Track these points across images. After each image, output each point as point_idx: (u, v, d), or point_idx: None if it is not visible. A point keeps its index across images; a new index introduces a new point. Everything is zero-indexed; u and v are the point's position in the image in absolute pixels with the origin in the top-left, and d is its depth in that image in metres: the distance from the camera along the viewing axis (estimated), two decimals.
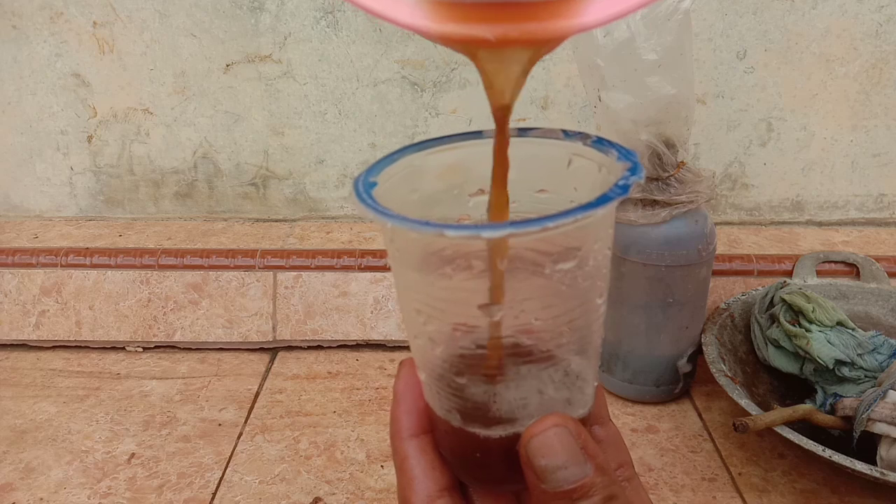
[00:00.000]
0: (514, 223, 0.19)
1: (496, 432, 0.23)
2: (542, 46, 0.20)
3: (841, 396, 0.51)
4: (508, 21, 0.19)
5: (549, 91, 0.71)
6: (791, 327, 0.55)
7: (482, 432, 0.23)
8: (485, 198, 0.24)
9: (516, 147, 0.25)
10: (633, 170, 0.21)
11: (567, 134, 0.25)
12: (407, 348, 0.76)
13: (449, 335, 0.23)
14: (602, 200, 0.19)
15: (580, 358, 0.23)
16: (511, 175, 0.23)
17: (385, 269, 0.66)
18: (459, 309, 0.22)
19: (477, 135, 0.25)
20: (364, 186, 0.22)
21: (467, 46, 0.21)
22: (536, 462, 0.22)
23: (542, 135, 0.25)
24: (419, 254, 0.22)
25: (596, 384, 0.25)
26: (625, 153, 0.22)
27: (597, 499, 0.21)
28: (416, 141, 0.25)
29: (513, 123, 0.23)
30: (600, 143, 0.23)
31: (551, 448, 0.22)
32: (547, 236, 0.20)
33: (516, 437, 0.23)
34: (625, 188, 0.20)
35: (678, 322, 0.55)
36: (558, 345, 0.22)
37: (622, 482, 0.25)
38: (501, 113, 0.22)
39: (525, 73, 0.21)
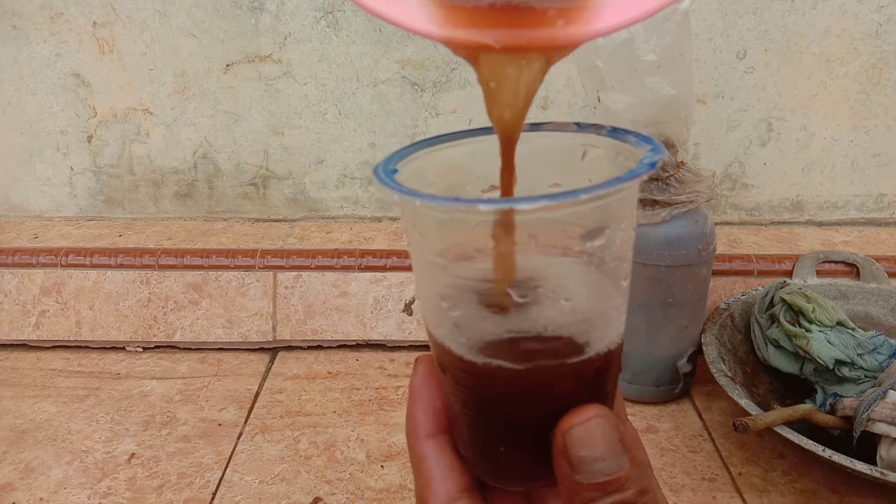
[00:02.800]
0: (548, 196, 0.19)
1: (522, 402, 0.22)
2: (550, 55, 0.20)
3: (841, 396, 0.51)
4: (514, 27, 0.19)
5: (549, 91, 0.71)
6: (791, 327, 0.55)
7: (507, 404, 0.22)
8: (498, 194, 0.24)
9: (529, 142, 0.24)
10: (656, 150, 0.21)
11: (580, 126, 0.25)
12: (407, 348, 0.76)
13: (476, 320, 0.22)
14: (632, 175, 0.20)
15: (608, 330, 0.23)
16: (524, 170, 0.23)
17: (385, 268, 0.66)
18: (488, 290, 0.22)
19: (490, 130, 0.25)
20: (385, 172, 0.22)
21: (472, 52, 0.20)
22: (575, 452, 0.21)
23: (555, 128, 0.25)
24: (444, 236, 0.22)
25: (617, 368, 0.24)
26: (643, 138, 0.23)
27: (630, 492, 0.21)
28: (416, 140, 0.25)
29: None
30: (616, 132, 0.24)
31: (592, 439, 0.21)
32: (579, 210, 0.20)
33: (543, 422, 0.22)
34: (652, 164, 0.20)
35: (678, 322, 0.55)
36: (584, 326, 0.22)
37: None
38: (508, 139, 0.22)
39: (532, 85, 0.21)
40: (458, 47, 0.20)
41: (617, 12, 0.19)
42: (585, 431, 0.21)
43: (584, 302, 0.22)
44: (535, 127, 0.25)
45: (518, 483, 0.25)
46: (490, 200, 0.19)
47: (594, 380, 0.23)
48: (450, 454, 0.25)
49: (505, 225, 0.21)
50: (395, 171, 0.22)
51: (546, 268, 0.21)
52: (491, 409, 0.23)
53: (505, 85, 0.21)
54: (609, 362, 0.23)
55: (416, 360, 0.26)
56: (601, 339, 0.23)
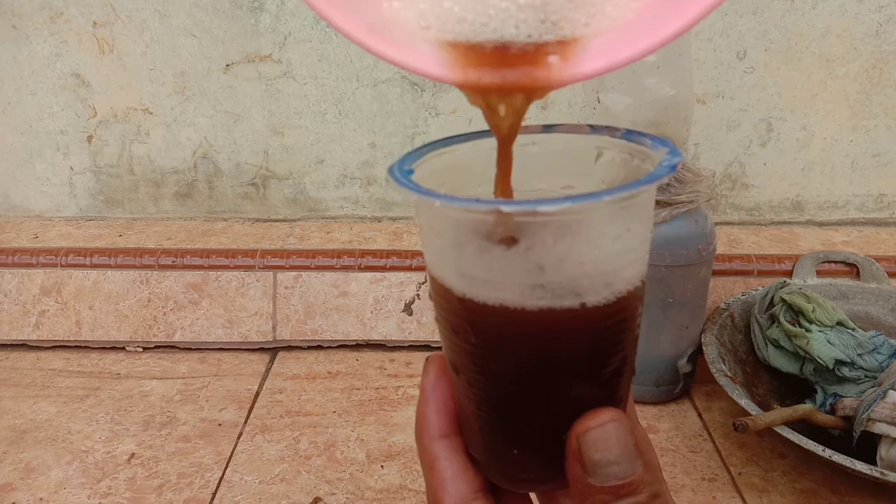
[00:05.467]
0: (570, 197, 0.19)
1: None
2: (543, 92, 0.21)
3: (841, 396, 0.51)
4: (513, 67, 0.19)
5: None
6: (791, 327, 0.55)
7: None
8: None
9: (542, 143, 0.25)
10: (674, 152, 0.21)
11: (594, 128, 0.25)
12: (407, 348, 0.76)
13: (498, 317, 0.22)
14: (653, 177, 0.20)
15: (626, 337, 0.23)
16: (537, 171, 0.23)
17: (385, 268, 0.66)
18: (509, 289, 0.21)
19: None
20: (402, 173, 0.22)
21: (480, 93, 0.21)
22: (590, 455, 0.21)
23: (568, 130, 0.25)
24: (462, 236, 0.22)
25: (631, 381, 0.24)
26: (659, 140, 0.22)
27: (643, 496, 0.21)
28: (416, 141, 0.25)
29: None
30: (631, 134, 0.24)
31: (607, 442, 0.21)
32: (601, 213, 0.20)
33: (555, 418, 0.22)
34: (672, 167, 0.20)
35: (678, 322, 0.55)
36: (602, 332, 0.22)
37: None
38: (505, 145, 0.22)
39: (525, 108, 0.21)
40: (468, 90, 0.21)
41: (608, 52, 0.19)
42: (601, 434, 0.21)
43: (602, 302, 0.22)
44: (549, 129, 0.25)
45: (530, 486, 0.25)
46: (512, 202, 0.19)
47: (609, 381, 0.23)
48: (463, 455, 0.25)
49: (524, 224, 0.21)
50: (412, 171, 0.22)
51: (565, 267, 0.21)
52: (505, 409, 0.23)
53: (501, 110, 0.22)
54: (624, 364, 0.23)
55: (426, 360, 0.26)
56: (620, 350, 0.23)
